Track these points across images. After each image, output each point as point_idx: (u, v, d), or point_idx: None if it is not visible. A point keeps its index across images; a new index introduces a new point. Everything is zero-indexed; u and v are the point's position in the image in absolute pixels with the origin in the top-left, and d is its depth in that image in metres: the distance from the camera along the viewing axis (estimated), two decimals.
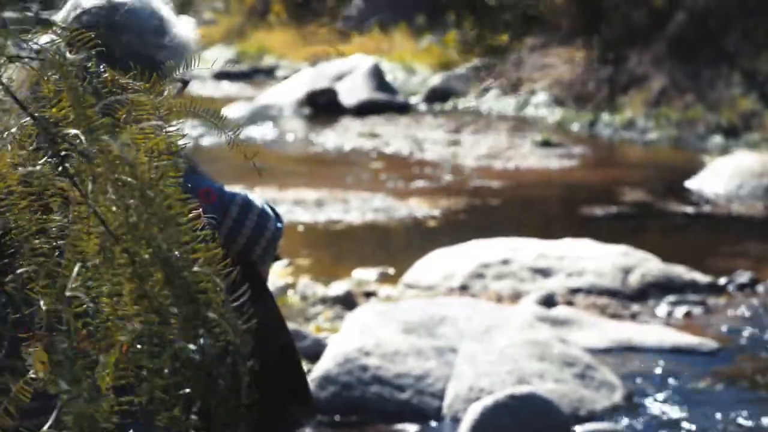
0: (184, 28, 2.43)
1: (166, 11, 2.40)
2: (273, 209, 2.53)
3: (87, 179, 1.04)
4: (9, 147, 1.11)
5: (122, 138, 1.06)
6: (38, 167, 1.07)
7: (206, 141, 10.27)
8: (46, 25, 2.29)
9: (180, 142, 1.17)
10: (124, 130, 1.08)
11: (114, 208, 1.02)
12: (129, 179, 1.03)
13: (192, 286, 1.08)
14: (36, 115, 1.10)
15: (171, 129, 1.16)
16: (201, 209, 2.35)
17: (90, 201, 1.02)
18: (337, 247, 6.52)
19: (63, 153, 1.07)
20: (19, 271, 1.05)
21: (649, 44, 11.40)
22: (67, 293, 1.02)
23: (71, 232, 1.03)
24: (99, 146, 1.04)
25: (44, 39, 2.34)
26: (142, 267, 1.03)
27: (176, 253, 1.05)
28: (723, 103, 10.13)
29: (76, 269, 1.00)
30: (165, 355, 1.04)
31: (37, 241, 1.07)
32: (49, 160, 1.08)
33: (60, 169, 1.06)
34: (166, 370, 1.04)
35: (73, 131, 1.06)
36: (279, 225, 2.52)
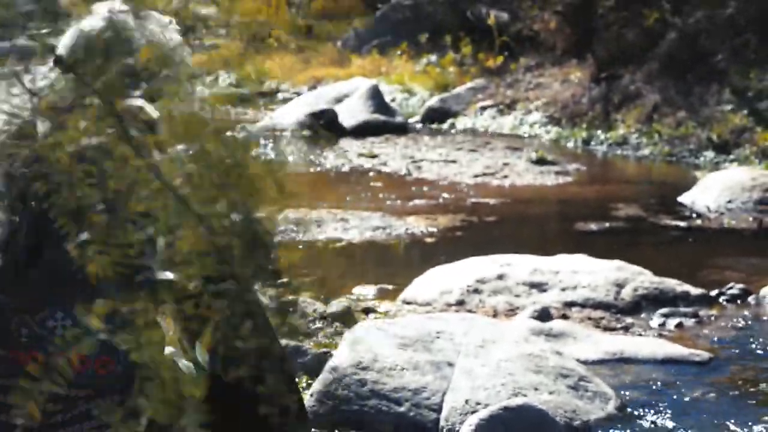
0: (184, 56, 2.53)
1: (174, 52, 2.50)
2: None
3: (152, 149, 1.05)
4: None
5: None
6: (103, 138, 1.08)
7: None
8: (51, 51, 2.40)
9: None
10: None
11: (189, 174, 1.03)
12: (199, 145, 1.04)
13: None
14: (97, 88, 1.13)
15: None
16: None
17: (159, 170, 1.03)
18: (337, 265, 6.59)
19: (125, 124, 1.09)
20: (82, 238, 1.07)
21: (642, 63, 11.50)
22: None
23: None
24: (166, 112, 1.06)
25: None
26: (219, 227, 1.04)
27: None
28: (714, 120, 10.22)
29: (161, 240, 1.01)
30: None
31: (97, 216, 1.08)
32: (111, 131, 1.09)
33: (125, 137, 1.07)
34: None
35: (138, 102, 1.08)
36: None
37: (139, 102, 1.06)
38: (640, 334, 5.13)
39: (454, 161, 10.05)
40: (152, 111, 1.05)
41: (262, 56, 17.75)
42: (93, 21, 2.47)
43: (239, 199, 1.02)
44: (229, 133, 1.05)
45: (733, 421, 4.15)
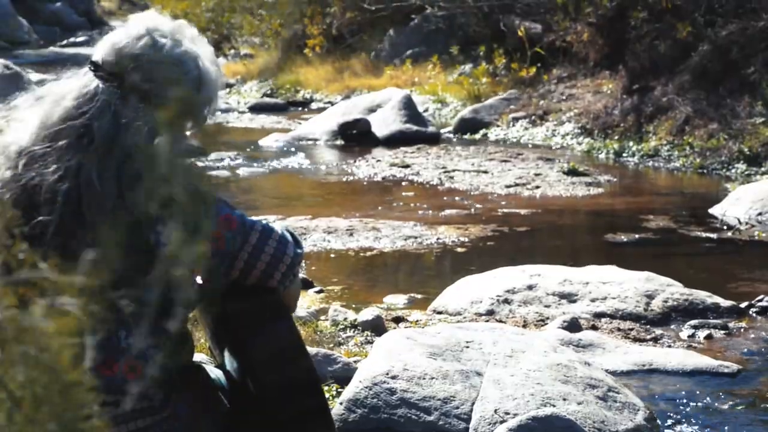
0: (215, 72, 2.59)
1: (203, 59, 2.56)
2: (293, 235, 2.68)
3: None
4: None
5: (33, 312, 1.04)
6: None
7: (242, 172, 10.45)
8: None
9: None
10: (36, 305, 1.06)
11: (20, 379, 1.00)
12: (36, 353, 1.01)
13: None
14: None
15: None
16: (222, 235, 2.53)
17: None
18: (368, 274, 6.64)
19: None
20: None
21: (674, 75, 11.49)
22: None
23: None
24: (9, 317, 1.03)
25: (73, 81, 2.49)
26: None
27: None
28: (746, 132, 10.20)
29: None
30: None
31: None
32: None
33: None
34: None
35: None
36: (299, 251, 2.67)
37: None
38: (670, 346, 5.14)
39: (485, 172, 10.08)
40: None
41: (296, 66, 17.84)
42: (128, 30, 2.53)
43: (65, 408, 1.03)
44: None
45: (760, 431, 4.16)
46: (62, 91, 2.52)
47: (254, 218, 2.59)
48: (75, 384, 1.05)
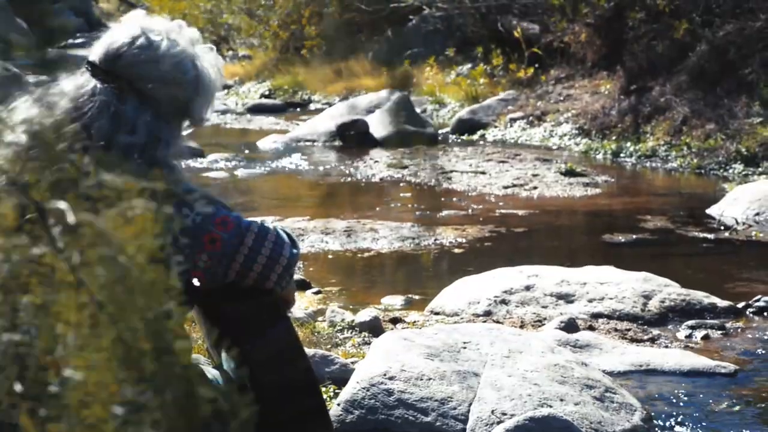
0: (214, 78, 2.60)
1: (201, 60, 2.56)
2: (289, 236, 2.68)
3: (73, 252, 1.05)
4: None
5: (107, 215, 1.07)
6: (19, 241, 1.07)
7: (240, 173, 10.45)
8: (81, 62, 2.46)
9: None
10: (110, 209, 1.09)
11: (100, 280, 1.03)
12: (112, 253, 1.04)
13: (178, 357, 1.09)
14: (24, 189, 1.11)
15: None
16: (219, 237, 2.53)
17: (77, 273, 1.04)
18: (366, 275, 6.64)
19: (50, 227, 1.09)
20: None
21: (671, 75, 11.50)
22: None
23: (55, 303, 1.04)
24: (85, 221, 1.06)
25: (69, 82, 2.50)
26: (130, 335, 1.05)
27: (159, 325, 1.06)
28: (743, 132, 10.21)
29: (69, 337, 1.01)
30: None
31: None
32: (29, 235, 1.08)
33: (46, 241, 1.07)
34: None
35: (60, 205, 1.08)
36: (294, 251, 2.67)
37: (62, 205, 1.08)
38: (667, 346, 5.14)
39: (483, 172, 10.09)
40: (71, 216, 1.07)
41: (294, 67, 17.84)
42: (124, 30, 2.53)
43: (147, 305, 1.05)
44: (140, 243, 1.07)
45: None
46: (60, 92, 2.52)
47: (250, 220, 2.59)
48: (154, 282, 1.06)
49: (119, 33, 2.56)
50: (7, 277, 1.09)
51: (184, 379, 1.11)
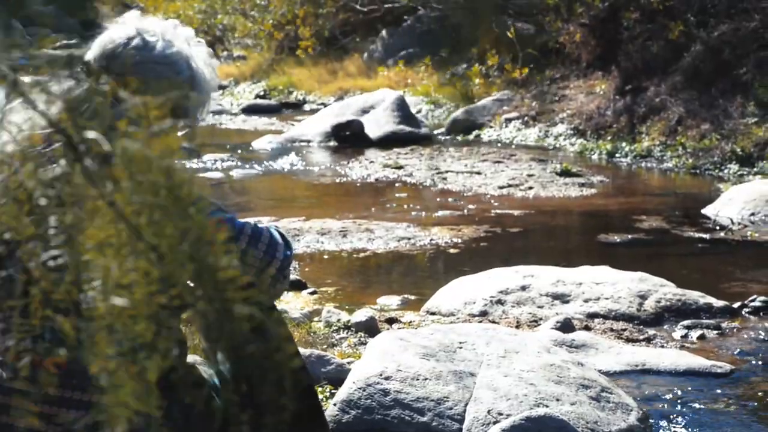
0: (210, 78, 2.59)
1: (196, 60, 2.56)
2: (283, 237, 2.68)
3: (106, 180, 1.06)
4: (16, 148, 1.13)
5: (135, 140, 1.09)
6: (55, 169, 1.09)
7: (235, 173, 10.45)
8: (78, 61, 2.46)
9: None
10: (135, 134, 1.11)
11: (135, 205, 1.04)
12: (148, 178, 1.06)
13: (220, 280, 1.11)
14: (54, 119, 1.14)
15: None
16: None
17: (112, 199, 1.05)
18: (362, 276, 6.64)
19: (81, 155, 1.10)
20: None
21: (666, 75, 11.52)
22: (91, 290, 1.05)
23: (88, 228, 1.05)
24: (118, 147, 1.08)
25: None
26: (169, 256, 1.06)
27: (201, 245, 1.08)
28: (738, 132, 10.23)
29: (111, 267, 1.03)
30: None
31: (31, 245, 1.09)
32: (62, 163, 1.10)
33: (79, 170, 1.08)
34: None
35: (92, 134, 1.10)
36: (288, 252, 2.67)
37: (93, 135, 1.09)
38: (663, 346, 5.14)
39: (478, 172, 10.10)
40: (105, 144, 1.08)
41: (289, 67, 17.84)
42: (119, 31, 2.53)
43: (185, 228, 1.05)
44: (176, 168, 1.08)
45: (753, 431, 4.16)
46: (57, 92, 2.51)
47: (243, 221, 2.58)
48: (191, 200, 1.07)
49: (115, 34, 2.56)
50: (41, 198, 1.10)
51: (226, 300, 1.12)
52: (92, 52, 2.55)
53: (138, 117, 1.11)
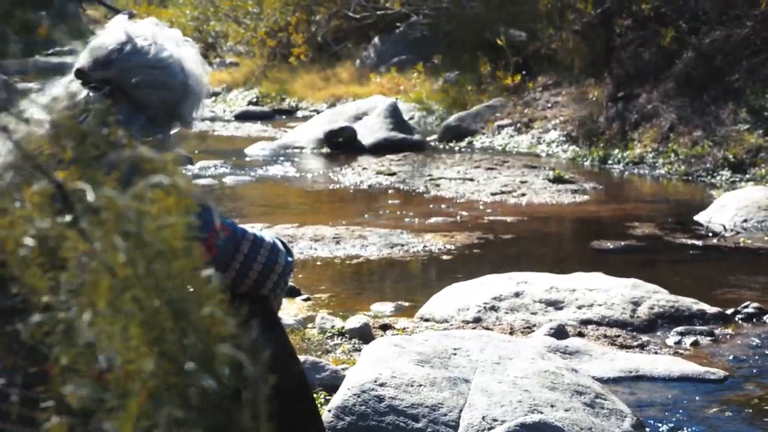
0: (202, 78, 2.60)
1: (187, 61, 2.56)
2: (284, 244, 2.68)
3: (95, 232, 1.04)
4: (18, 204, 1.09)
5: (131, 192, 1.06)
6: (51, 223, 1.06)
7: (228, 180, 10.45)
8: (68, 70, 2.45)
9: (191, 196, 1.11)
10: (133, 185, 1.08)
11: (121, 259, 1.02)
12: (134, 231, 1.03)
13: (203, 328, 1.10)
14: (48, 172, 1.10)
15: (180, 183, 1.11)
16: (214, 243, 2.52)
17: (98, 252, 1.02)
18: (355, 282, 6.64)
19: (76, 209, 1.08)
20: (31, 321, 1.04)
21: (659, 82, 11.55)
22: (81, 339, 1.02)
23: (83, 284, 1.03)
24: (105, 200, 1.05)
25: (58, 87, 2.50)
26: (152, 314, 1.04)
27: (184, 301, 1.06)
28: (730, 139, 10.26)
29: (87, 316, 1.01)
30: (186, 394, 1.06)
31: (47, 298, 1.06)
32: (60, 217, 1.08)
33: (71, 223, 1.06)
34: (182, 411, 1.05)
35: (80, 186, 1.07)
36: (289, 259, 2.68)
37: (82, 185, 1.08)
38: (656, 352, 5.15)
39: (471, 179, 10.11)
40: (91, 195, 1.06)
41: (282, 74, 17.85)
42: (110, 36, 2.52)
43: (172, 284, 1.04)
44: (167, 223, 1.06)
45: None
46: (54, 99, 2.49)
47: (245, 227, 2.59)
48: (185, 260, 1.05)
49: (106, 39, 2.55)
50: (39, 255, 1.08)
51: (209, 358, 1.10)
52: (83, 59, 2.53)
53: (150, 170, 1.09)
